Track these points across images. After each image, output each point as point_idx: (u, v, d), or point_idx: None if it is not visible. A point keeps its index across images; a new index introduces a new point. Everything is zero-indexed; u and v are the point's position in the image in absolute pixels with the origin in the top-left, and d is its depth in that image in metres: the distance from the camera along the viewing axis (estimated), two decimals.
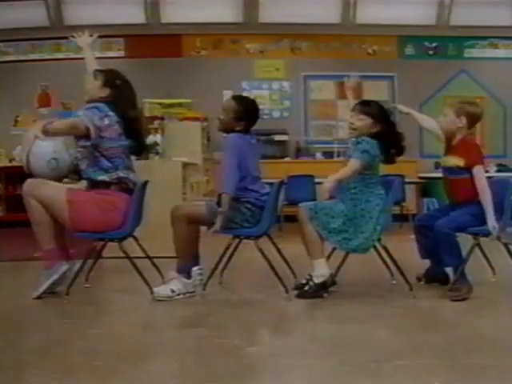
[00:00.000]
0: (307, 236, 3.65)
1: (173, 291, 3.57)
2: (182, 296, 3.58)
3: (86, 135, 3.46)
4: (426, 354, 2.56)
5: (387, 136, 3.71)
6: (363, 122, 3.69)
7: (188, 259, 3.64)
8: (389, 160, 3.77)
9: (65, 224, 3.52)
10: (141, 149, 3.82)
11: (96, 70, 3.75)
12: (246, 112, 3.78)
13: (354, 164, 3.60)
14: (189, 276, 3.62)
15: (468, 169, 3.67)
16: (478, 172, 3.64)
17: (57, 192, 3.49)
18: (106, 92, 3.62)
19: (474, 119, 3.80)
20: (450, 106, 3.87)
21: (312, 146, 9.23)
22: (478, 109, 3.88)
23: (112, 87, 3.62)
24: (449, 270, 3.80)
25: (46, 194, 3.47)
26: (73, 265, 3.67)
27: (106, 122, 3.49)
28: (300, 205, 3.74)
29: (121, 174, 3.57)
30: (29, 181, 3.52)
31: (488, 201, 3.58)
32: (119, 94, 3.62)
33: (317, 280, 3.59)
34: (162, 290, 3.57)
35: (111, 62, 8.94)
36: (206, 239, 3.89)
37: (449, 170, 3.82)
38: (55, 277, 3.52)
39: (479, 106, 3.94)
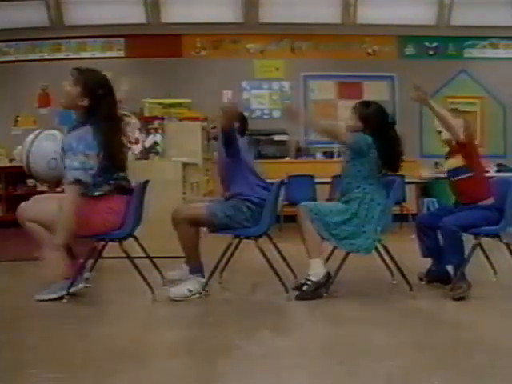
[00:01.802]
0: (306, 234, 3.65)
1: (190, 291, 3.59)
2: (198, 295, 3.61)
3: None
4: (426, 354, 2.56)
5: (384, 142, 3.70)
6: (354, 123, 3.70)
7: (198, 259, 3.68)
8: (388, 166, 3.77)
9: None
10: (116, 164, 3.51)
11: (75, 69, 3.47)
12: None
13: (347, 136, 3.66)
14: (203, 275, 3.65)
15: (467, 166, 3.68)
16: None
17: (49, 207, 3.43)
18: (85, 102, 3.40)
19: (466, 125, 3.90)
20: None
21: (312, 146, 9.23)
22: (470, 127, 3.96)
23: (92, 97, 3.39)
24: (450, 268, 3.80)
25: (38, 212, 3.42)
26: (88, 277, 3.71)
27: (92, 152, 3.33)
28: (300, 204, 3.74)
29: (112, 182, 3.47)
30: (20, 206, 3.48)
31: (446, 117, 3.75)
32: (99, 104, 3.39)
33: (314, 278, 3.59)
34: (179, 290, 3.59)
35: (111, 61, 9.00)
36: (206, 239, 3.89)
37: (452, 171, 3.85)
38: (65, 292, 3.50)
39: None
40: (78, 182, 3.28)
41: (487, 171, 3.88)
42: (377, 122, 3.71)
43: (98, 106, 3.39)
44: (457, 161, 3.79)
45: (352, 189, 3.67)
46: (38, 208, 3.45)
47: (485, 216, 3.65)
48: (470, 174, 3.71)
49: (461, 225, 3.59)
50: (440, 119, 3.76)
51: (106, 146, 3.38)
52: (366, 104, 3.82)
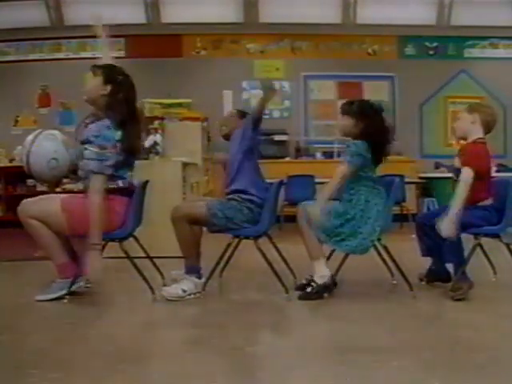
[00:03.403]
0: (307, 236, 3.65)
1: (184, 291, 3.56)
2: (192, 296, 3.58)
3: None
4: (426, 354, 2.56)
5: (373, 134, 3.68)
6: (344, 122, 3.73)
7: (195, 259, 3.64)
8: (377, 160, 3.75)
9: (64, 232, 3.48)
10: (134, 148, 3.62)
11: (94, 66, 3.61)
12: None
13: (342, 169, 3.59)
14: (199, 275, 3.62)
15: (476, 173, 3.63)
16: (464, 172, 3.57)
17: (50, 204, 3.44)
18: (107, 89, 3.51)
19: (488, 122, 3.83)
20: (462, 110, 3.88)
21: (312, 145, 9.24)
22: (492, 115, 3.89)
23: (113, 83, 3.51)
24: (450, 267, 3.80)
25: (39, 209, 3.42)
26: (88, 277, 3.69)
27: (109, 145, 3.40)
28: (299, 204, 3.74)
29: (121, 183, 3.50)
30: (22, 203, 3.47)
31: (456, 203, 3.50)
32: (120, 89, 3.51)
33: (319, 281, 3.59)
34: (174, 290, 3.57)
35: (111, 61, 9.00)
36: (206, 239, 3.89)
37: (457, 171, 3.81)
38: (66, 291, 3.50)
39: (493, 114, 3.93)
40: (97, 173, 3.35)
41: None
42: (366, 113, 3.71)
43: (118, 91, 3.49)
44: (458, 163, 3.75)
45: (347, 190, 3.67)
46: (41, 205, 3.45)
47: (483, 216, 3.64)
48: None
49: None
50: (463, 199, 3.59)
51: (125, 138, 3.46)
52: (351, 102, 3.83)
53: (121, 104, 3.47)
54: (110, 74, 3.55)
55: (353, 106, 3.74)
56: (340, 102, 4.09)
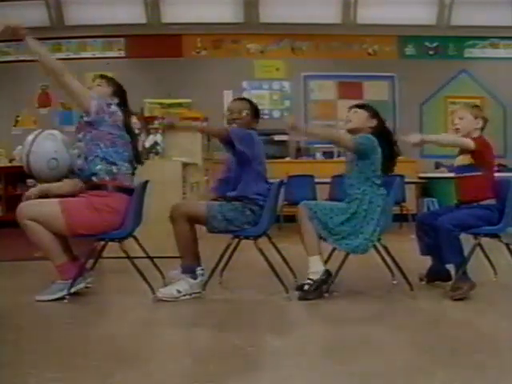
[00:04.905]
0: (304, 232, 3.65)
1: (179, 292, 3.55)
2: (187, 297, 3.57)
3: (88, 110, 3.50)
4: (426, 354, 2.56)
5: (383, 134, 3.76)
6: (359, 114, 3.76)
7: (192, 259, 3.63)
8: (387, 167, 3.78)
9: (63, 233, 3.48)
10: (136, 158, 3.79)
11: (102, 76, 3.81)
12: (257, 110, 3.98)
13: (351, 140, 3.66)
14: (194, 276, 3.62)
15: (476, 166, 3.69)
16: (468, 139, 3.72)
17: (49, 206, 3.45)
18: (115, 101, 3.67)
19: (485, 122, 3.88)
20: (463, 109, 3.87)
21: (312, 146, 9.23)
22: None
23: (121, 97, 3.73)
24: (450, 267, 3.80)
25: (38, 210, 3.42)
26: (88, 277, 3.70)
27: (112, 109, 3.58)
28: (301, 203, 3.74)
29: (115, 169, 3.52)
30: (20, 205, 3.48)
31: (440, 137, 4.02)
32: (125, 103, 3.75)
33: (313, 277, 3.58)
34: (168, 290, 3.56)
35: (111, 61, 9.00)
36: (206, 239, 3.89)
37: (460, 168, 3.84)
38: (66, 292, 3.50)
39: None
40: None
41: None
42: (379, 115, 3.83)
43: (123, 104, 3.74)
44: (466, 158, 3.77)
45: (354, 190, 3.68)
46: (40, 207, 3.45)
47: (483, 216, 3.64)
48: (477, 173, 3.71)
49: (457, 224, 3.58)
50: (446, 145, 4.10)
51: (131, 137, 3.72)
52: (367, 104, 3.93)
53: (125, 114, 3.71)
54: (118, 88, 3.77)
55: (366, 105, 3.87)
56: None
